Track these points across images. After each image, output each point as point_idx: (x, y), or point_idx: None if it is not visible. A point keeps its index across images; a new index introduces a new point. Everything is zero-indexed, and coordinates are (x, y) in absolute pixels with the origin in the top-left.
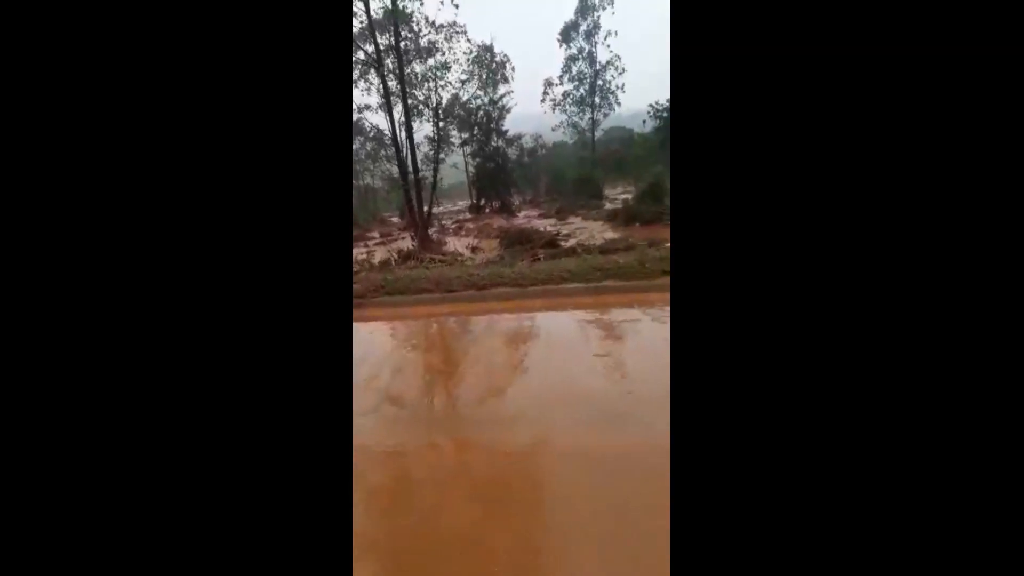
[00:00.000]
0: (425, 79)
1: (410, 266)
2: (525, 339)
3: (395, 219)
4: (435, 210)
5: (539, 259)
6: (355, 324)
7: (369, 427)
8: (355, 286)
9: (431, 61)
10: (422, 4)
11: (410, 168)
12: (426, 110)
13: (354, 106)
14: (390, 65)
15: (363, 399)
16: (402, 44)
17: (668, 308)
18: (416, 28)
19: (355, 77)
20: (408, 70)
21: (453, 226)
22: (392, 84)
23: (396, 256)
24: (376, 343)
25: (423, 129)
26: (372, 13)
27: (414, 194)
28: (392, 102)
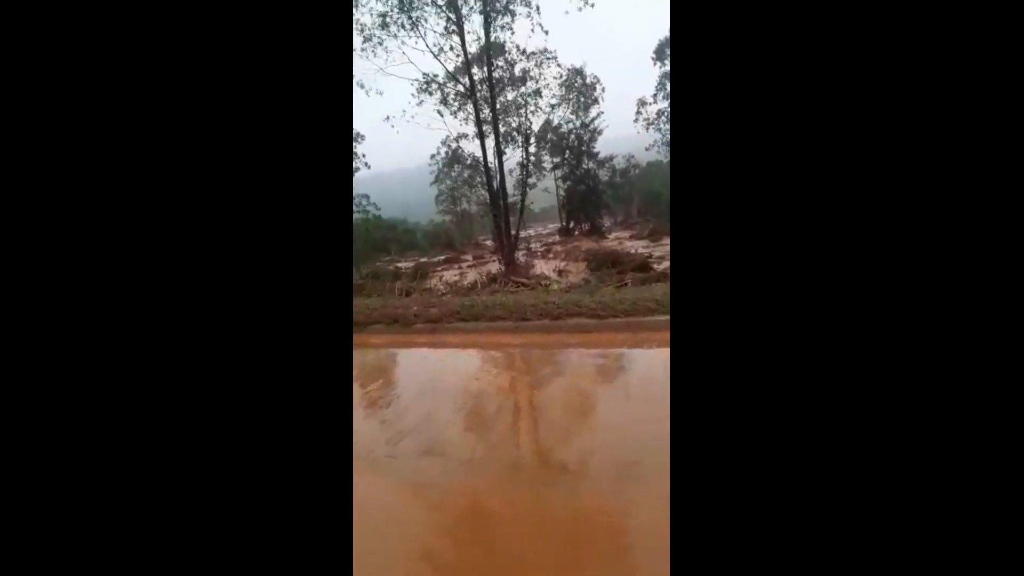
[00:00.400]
0: (517, 107)
1: (493, 289)
2: (595, 381)
3: (489, 242)
4: (525, 233)
5: (626, 284)
6: (404, 349)
7: None
8: (432, 310)
9: (523, 88)
10: (513, 33)
11: (499, 193)
12: (519, 136)
13: (452, 135)
14: (485, 95)
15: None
16: (496, 73)
17: None
18: (509, 58)
19: (455, 108)
20: (502, 98)
21: (541, 249)
22: (486, 113)
23: (484, 278)
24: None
25: (516, 155)
26: (467, 46)
27: (502, 219)
28: (486, 131)
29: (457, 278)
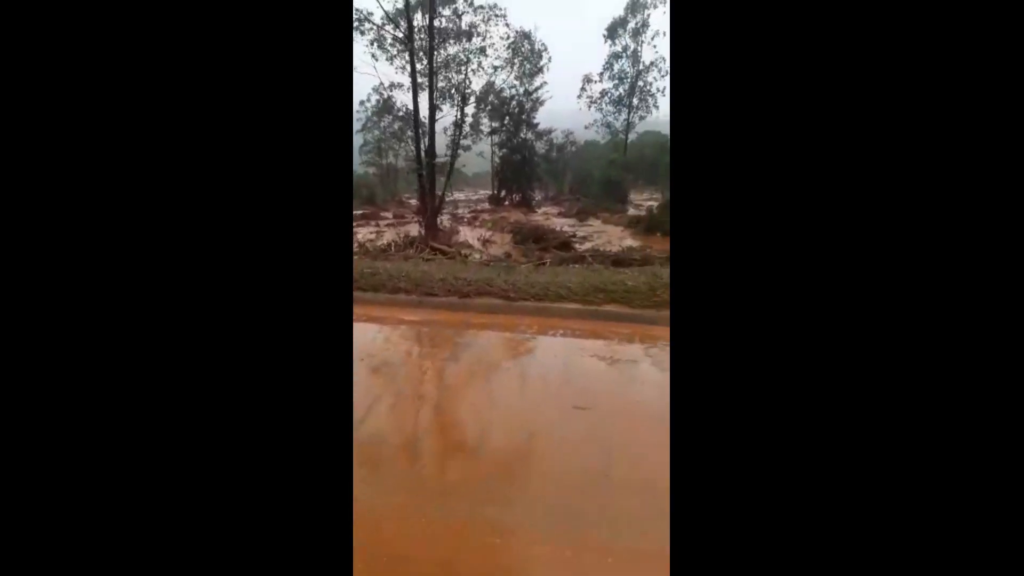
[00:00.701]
0: (458, 63)
1: (406, 255)
2: (490, 369)
3: (413, 202)
4: (454, 196)
5: (545, 263)
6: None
7: None
8: None
9: (467, 44)
10: None
11: (429, 151)
12: (456, 94)
13: (385, 83)
14: (424, 44)
15: None
16: (443, 24)
17: None
18: (456, 8)
19: (393, 55)
20: (444, 52)
21: (469, 215)
22: (424, 65)
23: (400, 240)
24: None
25: (452, 114)
26: None
27: (428, 179)
28: (422, 84)
29: (373, 237)
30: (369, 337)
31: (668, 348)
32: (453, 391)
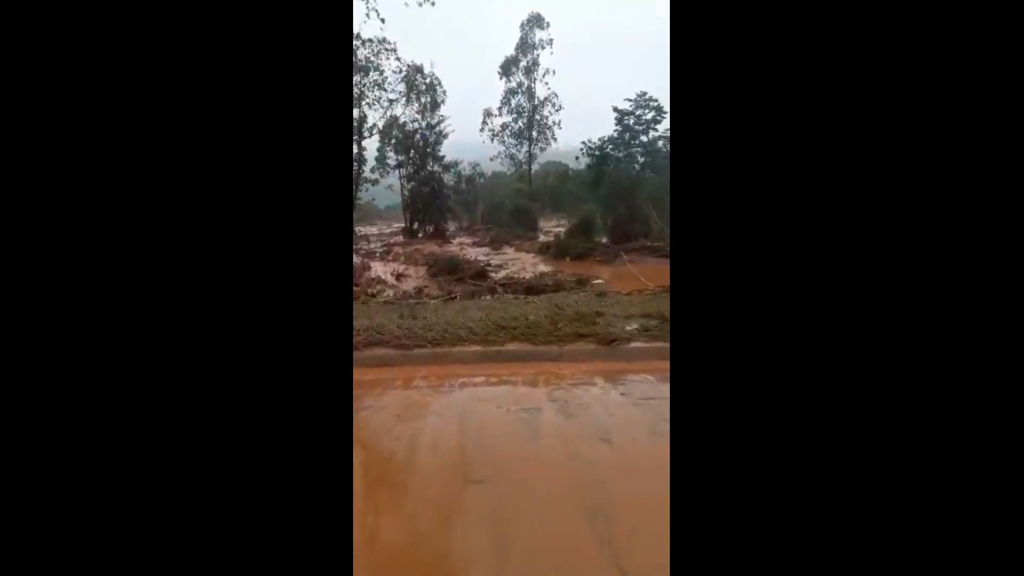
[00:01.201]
0: (360, 98)
1: None
2: (372, 442)
3: None
4: (367, 231)
5: (454, 297)
6: None
7: None
8: None
9: (364, 78)
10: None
11: None
12: (364, 129)
13: None
14: None
15: None
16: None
17: (583, 387)
18: (356, 44)
19: None
20: (356, 89)
21: (382, 249)
22: None
23: None
24: None
25: (366, 148)
26: None
27: None
28: None
29: None
30: None
31: (570, 388)
32: None
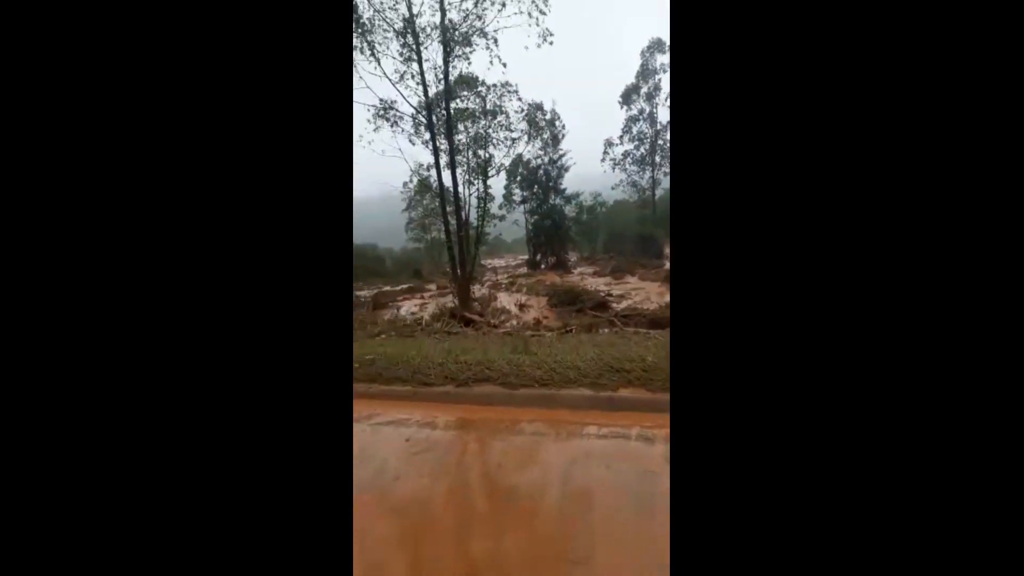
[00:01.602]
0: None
1: (432, 328)
2: (468, 494)
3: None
4: (495, 264)
5: (570, 331)
6: None
7: None
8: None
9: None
10: (470, 63)
11: (458, 224)
12: (484, 169)
13: (424, 164)
14: (461, 127)
15: None
16: (463, 104)
17: None
18: (476, 89)
19: (427, 138)
20: (472, 131)
21: (507, 281)
22: (443, 142)
23: (439, 311)
24: None
25: (491, 186)
26: (426, 75)
27: (457, 251)
28: (451, 161)
29: (416, 310)
30: None
31: None
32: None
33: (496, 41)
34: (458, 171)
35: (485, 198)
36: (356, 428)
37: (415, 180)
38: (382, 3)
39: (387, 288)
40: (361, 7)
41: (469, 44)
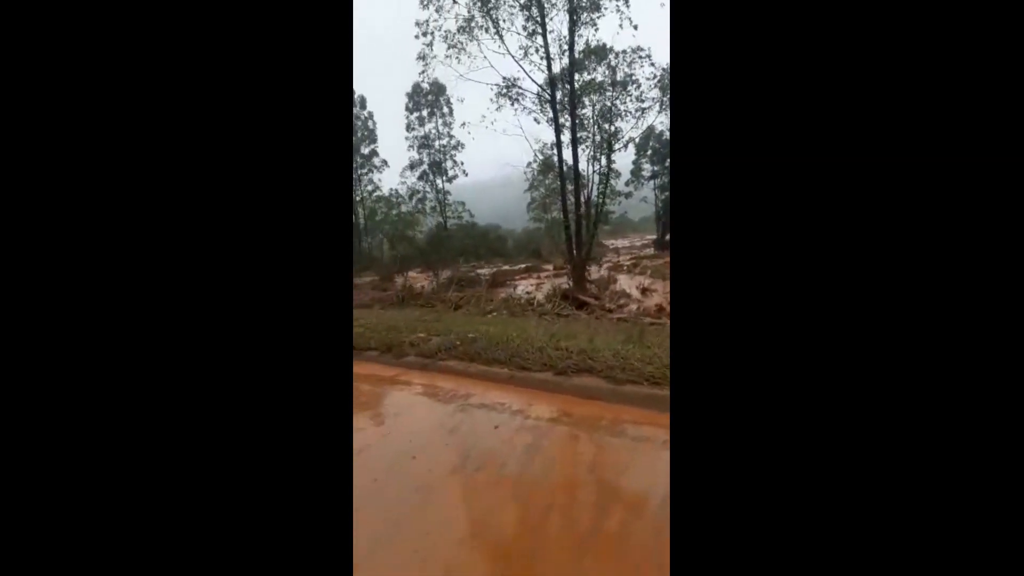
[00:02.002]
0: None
1: (543, 310)
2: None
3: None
4: (618, 244)
5: None
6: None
7: None
8: (434, 340)
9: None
10: (597, 30)
11: (577, 203)
12: (611, 144)
13: (548, 143)
14: (576, 99)
15: None
16: (591, 76)
17: None
18: (605, 60)
19: (550, 116)
20: (600, 105)
21: (630, 262)
22: (579, 116)
23: (554, 292)
24: None
25: (617, 160)
26: (550, 49)
27: (573, 231)
28: (576, 138)
29: (532, 290)
30: (434, 420)
31: None
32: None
33: (627, 1)
34: (583, 147)
35: (608, 174)
36: (450, 408)
37: (538, 159)
38: None
39: (506, 267)
40: None
41: (598, 8)
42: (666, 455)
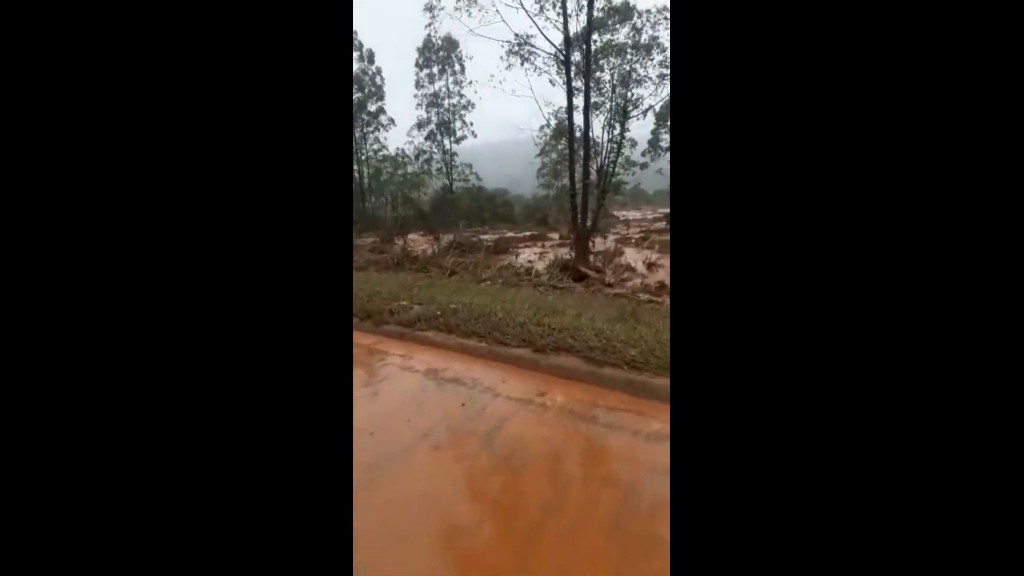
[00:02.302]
0: (621, 77)
1: (538, 282)
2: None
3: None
4: (629, 216)
5: None
6: None
7: None
8: (415, 308)
9: (643, 57)
10: None
11: (584, 171)
12: (635, 111)
13: (563, 107)
14: (592, 62)
15: None
16: (618, 39)
17: None
18: (636, 23)
19: (563, 81)
20: (620, 70)
21: (639, 235)
22: (596, 80)
23: (558, 260)
24: None
25: (634, 129)
26: (567, 9)
27: (580, 200)
28: (597, 103)
29: (535, 258)
30: (399, 396)
31: None
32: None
33: None
34: (598, 114)
35: (620, 143)
36: (422, 380)
37: (551, 124)
38: None
39: (510, 234)
40: None
41: None
42: (639, 444)
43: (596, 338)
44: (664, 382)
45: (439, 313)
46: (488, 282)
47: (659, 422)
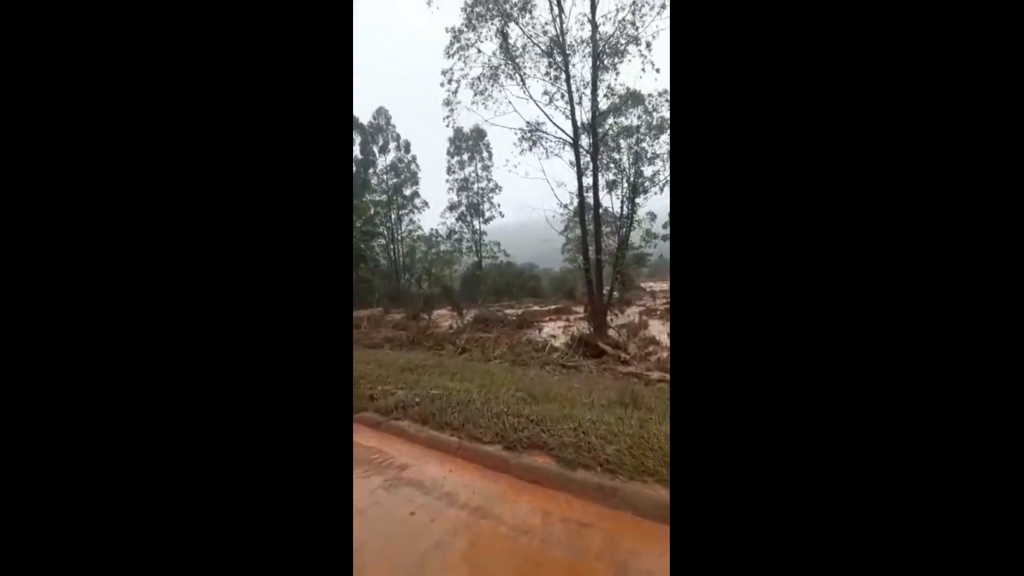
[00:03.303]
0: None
1: (547, 360)
2: None
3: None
4: (658, 287)
5: None
6: None
7: None
8: (392, 393)
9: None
10: (618, 74)
11: (599, 246)
12: (653, 187)
13: (584, 185)
14: (622, 144)
15: None
16: (635, 123)
17: None
18: (647, 105)
19: (586, 163)
20: (632, 146)
21: (663, 307)
22: (614, 159)
23: (573, 336)
24: None
25: (648, 205)
26: (574, 95)
27: (594, 274)
28: (615, 182)
29: (558, 333)
30: None
31: None
32: None
33: (649, 45)
34: (616, 190)
35: (631, 218)
36: (376, 481)
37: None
38: (533, 27)
39: (535, 308)
40: (512, 36)
41: (619, 55)
42: (599, 567)
43: (573, 433)
44: (637, 487)
45: (417, 401)
46: (498, 360)
47: (637, 547)
